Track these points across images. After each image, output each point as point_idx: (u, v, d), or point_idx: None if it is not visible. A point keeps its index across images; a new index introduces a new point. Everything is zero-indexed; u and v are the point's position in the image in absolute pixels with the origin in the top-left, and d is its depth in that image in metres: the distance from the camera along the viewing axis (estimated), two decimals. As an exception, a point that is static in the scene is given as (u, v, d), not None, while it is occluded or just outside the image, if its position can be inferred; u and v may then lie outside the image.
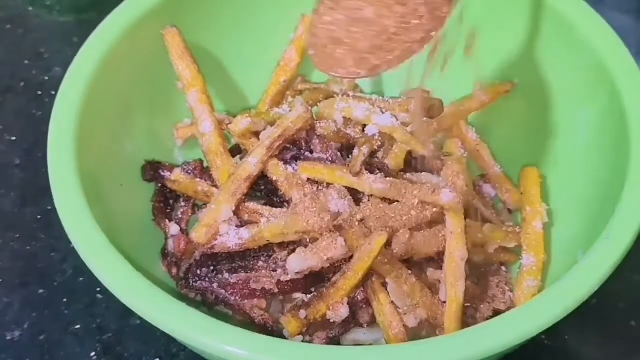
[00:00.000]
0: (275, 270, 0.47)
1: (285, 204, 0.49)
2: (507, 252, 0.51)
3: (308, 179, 0.48)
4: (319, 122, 0.50)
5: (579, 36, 0.50)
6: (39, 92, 0.67)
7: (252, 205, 0.48)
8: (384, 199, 0.47)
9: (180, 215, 0.52)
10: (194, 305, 0.40)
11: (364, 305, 0.46)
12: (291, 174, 0.48)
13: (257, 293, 0.47)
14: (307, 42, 0.44)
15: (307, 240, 0.46)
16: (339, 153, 0.50)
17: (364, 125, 0.51)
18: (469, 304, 0.47)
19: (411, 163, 0.52)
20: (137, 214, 0.52)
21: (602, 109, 0.49)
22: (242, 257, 0.48)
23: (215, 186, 0.50)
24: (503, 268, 0.52)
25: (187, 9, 0.55)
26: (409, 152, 0.51)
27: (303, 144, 0.50)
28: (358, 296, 0.46)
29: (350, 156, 0.49)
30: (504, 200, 0.55)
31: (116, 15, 0.51)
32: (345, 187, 0.47)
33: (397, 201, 0.47)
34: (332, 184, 0.48)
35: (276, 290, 0.46)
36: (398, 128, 0.49)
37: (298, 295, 0.47)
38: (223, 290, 0.47)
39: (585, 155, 0.50)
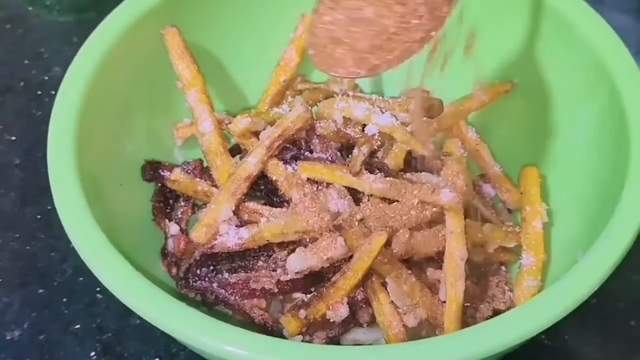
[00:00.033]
0: (275, 270, 0.47)
1: (285, 204, 0.48)
2: (507, 252, 0.51)
3: (308, 179, 0.48)
4: (319, 122, 0.50)
5: (579, 36, 0.50)
6: (39, 92, 0.67)
7: (252, 205, 0.48)
8: (384, 199, 0.47)
9: (180, 215, 0.52)
10: (194, 305, 0.40)
11: (364, 305, 0.46)
12: (291, 174, 0.48)
13: (257, 293, 0.47)
14: (307, 42, 0.44)
15: (307, 240, 0.46)
16: (339, 153, 0.50)
17: (364, 125, 0.51)
18: (469, 304, 0.47)
19: (411, 163, 0.52)
20: (137, 214, 0.52)
21: (602, 109, 0.49)
22: (242, 257, 0.48)
23: (215, 186, 0.50)
24: (503, 268, 0.52)
25: (187, 9, 0.55)
26: (409, 152, 0.51)
27: (303, 144, 0.50)
28: (358, 296, 0.46)
29: (350, 156, 0.49)
30: (504, 200, 0.55)
31: (116, 15, 0.51)
32: (345, 187, 0.47)
33: (397, 201, 0.47)
34: (332, 184, 0.48)
35: (276, 290, 0.46)
36: (398, 128, 0.49)
37: (298, 295, 0.47)
38: (223, 290, 0.47)
39: (586, 155, 0.50)
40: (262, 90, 0.59)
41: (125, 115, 0.52)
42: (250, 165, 0.48)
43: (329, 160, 0.49)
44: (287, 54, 0.58)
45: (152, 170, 0.52)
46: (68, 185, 0.43)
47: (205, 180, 0.52)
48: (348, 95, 0.52)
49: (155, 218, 0.52)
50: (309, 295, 0.45)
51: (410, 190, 0.46)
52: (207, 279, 0.48)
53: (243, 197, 0.48)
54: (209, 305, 0.48)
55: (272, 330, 0.47)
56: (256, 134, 0.51)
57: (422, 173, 0.51)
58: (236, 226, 0.48)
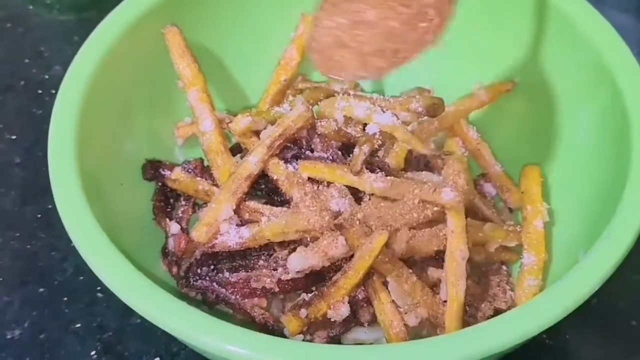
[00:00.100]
0: (276, 270, 0.47)
1: (286, 203, 0.48)
2: (508, 252, 0.51)
3: (309, 178, 0.48)
4: (320, 121, 0.50)
5: (580, 35, 0.50)
6: (40, 91, 0.67)
7: (252, 204, 0.48)
8: (384, 198, 0.47)
9: (180, 215, 0.52)
10: (195, 305, 0.40)
11: (365, 305, 0.46)
12: (292, 173, 0.48)
13: (258, 292, 0.47)
14: (309, 46, 0.44)
15: (308, 239, 0.46)
16: (339, 152, 0.50)
17: (365, 125, 0.51)
18: (470, 304, 0.47)
19: (412, 162, 0.52)
20: (138, 213, 0.52)
21: (603, 108, 0.48)
22: (242, 256, 0.48)
23: (216, 185, 0.50)
24: (504, 267, 0.52)
25: (187, 8, 0.55)
26: (410, 151, 0.51)
27: (304, 143, 0.50)
28: (359, 295, 0.46)
29: (351, 155, 0.49)
30: (505, 200, 0.55)
31: (117, 15, 0.51)
32: (346, 186, 0.47)
33: (398, 200, 0.47)
34: (333, 183, 0.48)
35: (277, 289, 0.46)
36: (399, 127, 0.49)
37: (299, 295, 0.47)
38: (224, 290, 0.47)
39: (587, 155, 0.50)
40: (263, 89, 0.59)
41: (125, 115, 0.52)
42: (251, 164, 0.48)
43: (330, 160, 0.49)
44: (288, 53, 0.58)
45: (153, 169, 0.52)
46: (68, 185, 0.43)
47: (206, 179, 0.52)
48: (349, 95, 0.52)
49: (155, 217, 0.52)
50: (309, 295, 0.45)
51: (411, 189, 0.46)
52: (207, 278, 0.48)
53: (244, 196, 0.48)
54: (209, 304, 0.48)
55: (273, 329, 0.47)
56: (257, 133, 0.51)
57: (423, 172, 0.51)
58: (237, 225, 0.48)
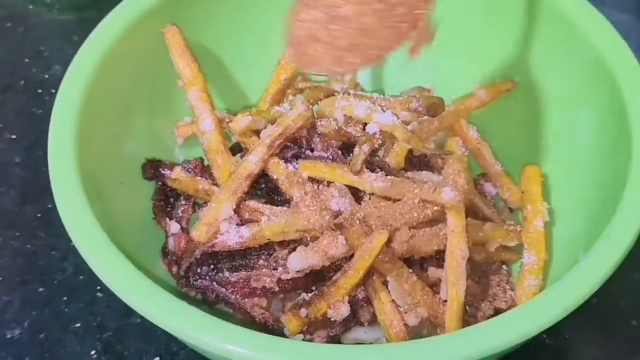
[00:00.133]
0: (276, 269, 0.47)
1: (286, 202, 0.48)
2: (509, 251, 0.51)
3: (309, 177, 0.48)
4: (320, 121, 0.50)
5: (580, 35, 0.50)
6: (40, 91, 0.67)
7: (252, 203, 0.48)
8: (385, 198, 0.47)
9: (180, 214, 0.52)
10: (195, 304, 0.40)
11: (365, 304, 0.46)
12: (292, 173, 0.48)
13: (258, 292, 0.47)
14: (285, 39, 0.44)
15: (308, 238, 0.46)
16: (339, 152, 0.50)
17: (365, 124, 0.51)
18: (470, 303, 0.47)
19: (412, 162, 0.52)
20: (138, 212, 0.52)
21: (603, 107, 0.48)
22: (242, 256, 0.48)
23: (216, 185, 0.50)
24: (504, 267, 0.52)
25: (187, 7, 0.55)
26: (410, 151, 0.51)
27: (304, 142, 0.50)
28: (359, 295, 0.46)
29: (351, 155, 0.49)
30: (505, 199, 0.55)
31: (116, 14, 0.51)
32: (346, 185, 0.47)
33: (398, 200, 0.47)
34: (333, 182, 0.48)
35: (277, 289, 0.46)
36: (399, 127, 0.49)
37: (299, 294, 0.47)
38: (224, 289, 0.47)
39: (587, 154, 0.50)
40: (263, 88, 0.59)
41: (125, 114, 0.52)
42: (251, 163, 0.48)
43: (330, 159, 0.49)
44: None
45: (153, 168, 0.52)
46: (68, 184, 0.43)
47: (206, 178, 0.51)
48: (349, 94, 0.52)
49: (155, 217, 0.52)
50: (309, 294, 0.45)
51: (411, 189, 0.46)
52: (207, 277, 0.48)
53: (244, 195, 0.48)
54: (209, 304, 0.48)
55: (273, 329, 0.47)
56: (257, 132, 0.51)
57: (423, 172, 0.51)
58: (237, 225, 0.48)
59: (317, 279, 0.46)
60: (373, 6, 0.42)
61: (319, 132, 0.50)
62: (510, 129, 0.56)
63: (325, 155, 0.49)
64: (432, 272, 0.47)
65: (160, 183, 0.53)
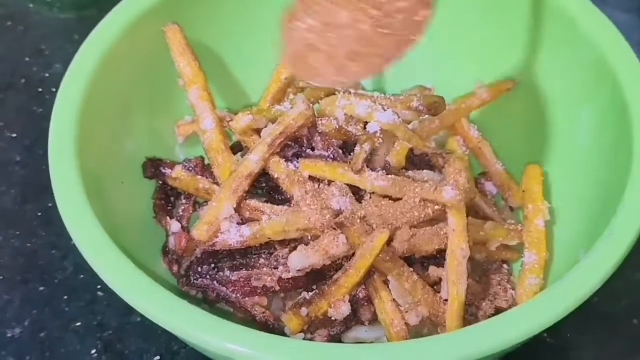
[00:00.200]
0: (277, 268, 0.47)
1: (287, 201, 0.48)
2: (509, 250, 0.51)
3: (310, 176, 0.48)
4: (321, 120, 0.50)
5: (581, 34, 0.50)
6: (40, 89, 0.67)
7: (253, 202, 0.48)
8: (385, 197, 0.47)
9: (181, 213, 0.52)
10: (195, 303, 0.40)
11: (365, 303, 0.46)
12: (293, 172, 0.48)
13: (259, 290, 0.47)
14: (283, 50, 0.43)
15: (309, 237, 0.46)
16: (340, 150, 0.50)
17: (366, 123, 0.51)
18: (470, 302, 0.47)
19: (413, 160, 0.52)
20: (138, 211, 0.52)
21: (605, 107, 0.48)
22: (243, 255, 0.48)
23: (217, 184, 0.50)
24: (505, 266, 0.52)
25: (188, 6, 0.54)
26: (411, 150, 0.51)
27: (305, 141, 0.50)
28: (360, 294, 0.46)
29: (351, 154, 0.49)
30: (505, 198, 0.55)
31: (117, 13, 0.51)
32: (347, 184, 0.47)
33: (399, 199, 0.47)
34: (333, 181, 0.48)
35: (277, 287, 0.46)
36: (400, 125, 0.49)
37: (300, 293, 0.47)
38: (224, 288, 0.47)
39: (588, 153, 0.50)
40: (264, 87, 0.58)
41: (126, 113, 0.52)
42: (252, 162, 0.48)
43: (331, 158, 0.49)
44: (289, 52, 0.57)
45: (153, 167, 0.52)
46: (69, 183, 0.43)
47: (206, 177, 0.51)
48: (350, 93, 0.52)
49: (156, 215, 0.52)
50: (310, 293, 0.45)
51: (412, 187, 0.46)
52: (208, 276, 0.48)
53: (244, 194, 0.48)
54: (210, 302, 0.48)
55: (274, 328, 0.47)
56: (257, 131, 0.51)
57: (424, 171, 0.51)
58: (237, 224, 0.48)
59: (318, 277, 0.46)
60: (369, 12, 0.41)
61: (319, 131, 0.50)
62: (511, 128, 0.56)
63: (326, 154, 0.49)
64: (433, 271, 0.47)
65: (160, 182, 0.53)
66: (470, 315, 0.47)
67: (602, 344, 0.52)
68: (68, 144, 0.44)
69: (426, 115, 0.51)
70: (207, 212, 0.47)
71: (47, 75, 0.68)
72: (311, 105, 0.50)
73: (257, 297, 0.47)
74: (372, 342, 0.47)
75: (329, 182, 0.48)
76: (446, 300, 0.45)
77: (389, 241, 0.45)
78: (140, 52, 0.52)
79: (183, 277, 0.49)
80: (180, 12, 0.53)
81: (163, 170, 0.52)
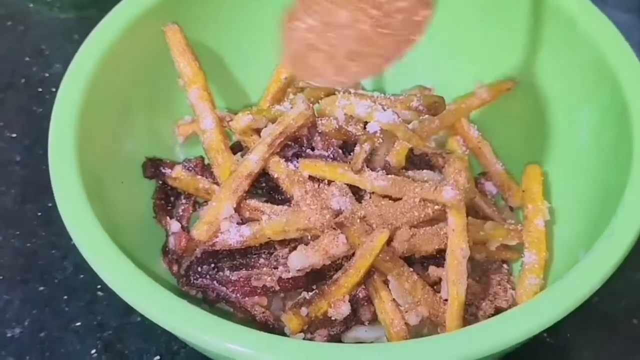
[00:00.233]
0: (277, 268, 0.47)
1: (287, 201, 0.48)
2: (509, 250, 0.51)
3: (310, 176, 0.48)
4: (321, 120, 0.50)
5: (581, 34, 0.50)
6: (40, 89, 0.67)
7: (253, 202, 0.48)
8: (385, 197, 0.47)
9: (181, 213, 0.52)
10: (195, 303, 0.40)
11: (365, 303, 0.46)
12: (293, 172, 0.48)
13: (259, 290, 0.47)
14: (282, 50, 0.43)
15: (309, 237, 0.46)
16: (340, 150, 0.50)
17: (366, 123, 0.51)
18: (470, 302, 0.47)
19: (413, 160, 0.52)
20: (138, 211, 0.52)
21: (604, 107, 0.48)
22: (243, 255, 0.48)
23: (217, 184, 0.50)
24: (505, 266, 0.52)
25: (188, 6, 0.54)
26: (411, 150, 0.51)
27: (305, 141, 0.50)
28: (360, 294, 0.46)
29: (351, 154, 0.49)
30: (505, 198, 0.55)
31: (117, 13, 0.51)
32: (347, 184, 0.47)
33: (399, 199, 0.47)
34: (333, 181, 0.48)
35: (277, 287, 0.46)
36: (400, 125, 0.49)
37: (300, 293, 0.47)
38: (224, 288, 0.47)
39: (588, 153, 0.50)
40: (264, 87, 0.58)
41: (126, 113, 0.52)
42: (252, 162, 0.48)
43: (331, 158, 0.49)
44: (289, 51, 0.57)
45: (153, 167, 0.52)
46: (69, 183, 0.43)
47: (206, 177, 0.51)
48: (350, 93, 0.52)
49: (156, 215, 0.52)
50: (310, 293, 0.45)
51: (412, 188, 0.46)
52: (208, 276, 0.48)
53: (244, 194, 0.48)
54: (210, 302, 0.48)
55: (274, 328, 0.47)
56: (257, 131, 0.51)
57: (424, 171, 0.50)
58: (237, 224, 0.48)
59: (318, 277, 0.46)
60: (369, 12, 0.41)
61: (319, 131, 0.50)
62: (511, 128, 0.56)
63: (326, 154, 0.49)
64: (433, 271, 0.47)
65: (160, 182, 0.53)
66: (470, 315, 0.47)
67: (602, 344, 0.52)
68: (68, 144, 0.44)
69: (426, 115, 0.51)
70: (207, 212, 0.47)
71: (47, 75, 0.68)
72: (311, 105, 0.50)
73: (257, 297, 0.47)
74: (372, 342, 0.47)
75: (329, 182, 0.48)
76: (446, 300, 0.45)
77: (389, 241, 0.45)
78: (141, 52, 0.52)
79: (183, 277, 0.49)
80: (181, 12, 0.53)
81: (163, 170, 0.52)
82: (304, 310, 0.44)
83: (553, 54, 0.53)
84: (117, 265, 0.40)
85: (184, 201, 0.53)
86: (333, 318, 0.45)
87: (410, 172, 0.50)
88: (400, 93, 0.55)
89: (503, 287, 0.50)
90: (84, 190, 0.43)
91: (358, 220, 0.45)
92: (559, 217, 0.51)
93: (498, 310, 0.48)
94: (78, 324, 0.52)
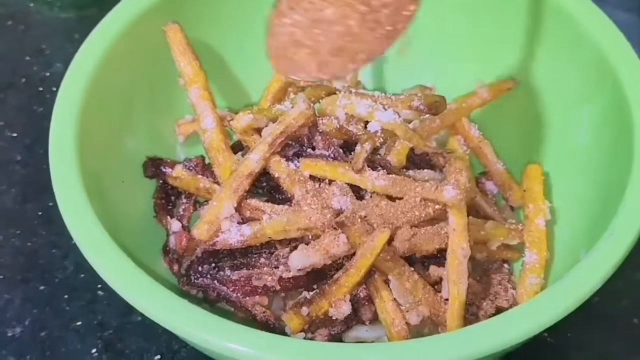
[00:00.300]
0: (278, 267, 0.47)
1: (288, 201, 0.48)
2: (510, 250, 0.51)
3: (310, 176, 0.48)
4: (322, 119, 0.50)
5: (582, 33, 0.50)
6: (41, 89, 0.67)
7: (254, 202, 0.48)
8: (386, 196, 0.47)
9: (182, 212, 0.52)
10: (196, 303, 0.40)
11: (366, 303, 0.46)
12: (293, 171, 0.48)
13: (259, 290, 0.47)
14: (267, 45, 0.43)
15: (310, 237, 0.46)
16: (341, 150, 0.50)
17: (367, 122, 0.51)
18: (471, 302, 0.47)
19: (414, 160, 0.52)
20: (139, 210, 0.52)
21: (605, 107, 0.48)
22: (244, 254, 0.48)
23: (217, 183, 0.50)
24: (506, 266, 0.52)
25: (188, 5, 0.54)
26: (412, 149, 0.51)
27: (305, 140, 0.50)
28: (360, 293, 0.46)
29: (352, 153, 0.49)
30: (506, 198, 0.55)
31: (117, 12, 0.51)
32: (348, 184, 0.47)
33: (400, 198, 0.47)
34: (334, 181, 0.47)
35: (278, 287, 0.46)
36: (401, 125, 0.49)
37: (300, 293, 0.47)
38: (225, 288, 0.47)
39: (588, 153, 0.50)
40: (264, 86, 0.58)
41: (126, 112, 0.52)
42: (253, 162, 0.48)
43: (332, 157, 0.49)
44: (289, 51, 0.57)
45: (154, 167, 0.52)
46: (69, 182, 0.43)
47: (207, 177, 0.51)
48: (350, 92, 0.52)
49: (156, 215, 0.52)
50: (311, 293, 0.45)
51: (412, 187, 0.46)
52: (209, 276, 0.48)
53: (245, 194, 0.48)
54: (210, 302, 0.48)
55: (274, 327, 0.47)
56: (258, 130, 0.51)
57: (425, 170, 0.50)
58: (238, 223, 0.48)
59: (319, 277, 0.46)
60: (357, 8, 0.41)
61: (320, 130, 0.50)
62: (512, 128, 0.56)
63: (327, 153, 0.49)
64: (434, 270, 0.47)
65: (161, 181, 0.53)
66: (471, 315, 0.47)
67: (603, 343, 0.52)
68: (69, 143, 0.44)
69: (427, 115, 0.51)
70: (208, 212, 0.47)
71: (47, 74, 0.68)
72: (312, 104, 0.50)
73: (257, 296, 0.47)
74: (373, 342, 0.47)
75: (330, 182, 0.48)
76: (447, 299, 0.45)
77: (390, 241, 0.45)
78: (141, 51, 0.52)
79: (184, 276, 0.49)
80: (181, 12, 0.53)
81: (164, 170, 0.52)
82: (304, 310, 0.44)
83: (553, 53, 0.53)
84: (118, 265, 0.40)
85: (184, 200, 0.53)
86: (334, 317, 0.45)
87: (411, 172, 0.50)
88: (401, 92, 0.55)
89: (504, 287, 0.50)
90: (85, 190, 0.43)
91: (359, 220, 0.45)
92: (559, 217, 0.51)
93: (499, 310, 0.48)
94: (79, 323, 0.52)
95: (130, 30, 0.51)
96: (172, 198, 0.53)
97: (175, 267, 0.49)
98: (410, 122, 0.51)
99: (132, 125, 0.53)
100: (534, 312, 0.38)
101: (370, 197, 0.47)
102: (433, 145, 0.53)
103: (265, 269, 0.47)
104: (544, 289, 0.45)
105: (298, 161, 0.49)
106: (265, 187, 0.50)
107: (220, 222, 0.47)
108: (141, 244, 0.47)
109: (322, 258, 0.44)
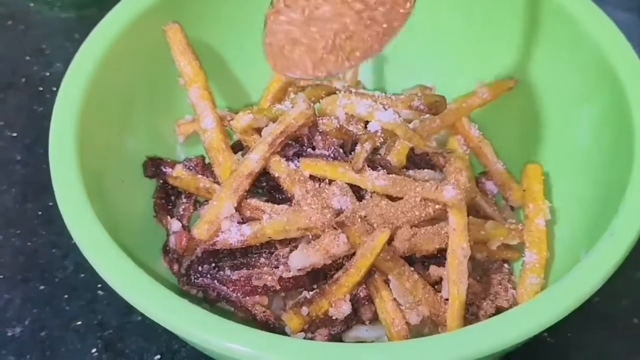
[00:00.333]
0: (278, 267, 0.47)
1: (288, 201, 0.48)
2: (510, 250, 0.51)
3: (310, 175, 0.48)
4: (322, 119, 0.50)
5: (582, 33, 0.50)
6: (41, 89, 0.67)
7: (254, 202, 0.48)
8: (386, 196, 0.47)
9: (182, 212, 0.52)
10: (196, 302, 0.40)
11: (366, 303, 0.46)
12: (293, 171, 0.48)
13: (259, 290, 0.47)
14: (264, 43, 0.43)
15: (310, 237, 0.46)
16: (341, 150, 0.50)
17: (367, 122, 0.51)
18: (471, 302, 0.47)
19: (414, 160, 0.52)
20: (139, 210, 0.52)
21: (605, 106, 0.48)
22: (244, 254, 0.48)
23: (217, 183, 0.50)
24: (506, 265, 0.52)
25: (188, 5, 0.54)
26: (412, 149, 0.51)
27: (305, 140, 0.50)
28: (360, 293, 0.46)
29: (352, 153, 0.49)
30: (506, 198, 0.55)
31: (117, 12, 0.51)
32: (348, 184, 0.47)
33: (400, 198, 0.47)
34: (334, 180, 0.47)
35: (278, 287, 0.46)
36: (401, 125, 0.49)
37: (300, 293, 0.47)
38: (225, 287, 0.47)
39: (588, 153, 0.50)
40: (264, 86, 0.58)
41: (126, 112, 0.52)
42: (253, 162, 0.48)
43: (332, 157, 0.49)
44: (290, 51, 0.57)
45: (154, 166, 0.52)
46: (69, 182, 0.43)
47: (207, 176, 0.51)
48: (351, 92, 0.52)
49: (157, 215, 0.52)
50: (311, 293, 0.45)
51: (412, 187, 0.46)
52: (209, 275, 0.48)
53: (245, 193, 0.48)
54: (210, 302, 0.48)
55: (274, 327, 0.47)
56: (258, 130, 0.51)
57: (425, 170, 0.50)
58: (238, 223, 0.47)
59: (319, 277, 0.46)
60: (353, 6, 0.41)
61: (320, 130, 0.50)
62: (512, 128, 0.56)
63: (327, 153, 0.49)
64: (434, 270, 0.47)
65: (161, 181, 0.53)
66: (471, 315, 0.47)
67: (603, 343, 0.52)
68: (69, 143, 0.44)
69: (427, 115, 0.51)
70: (208, 212, 0.47)
71: (47, 74, 0.68)
72: (312, 104, 0.50)
73: (257, 296, 0.47)
74: (373, 342, 0.47)
75: (330, 182, 0.48)
76: (447, 299, 0.45)
77: (390, 240, 0.45)
78: (141, 51, 0.52)
79: (184, 276, 0.49)
80: (181, 11, 0.53)
81: (164, 170, 0.52)
82: (304, 310, 0.44)
83: (554, 53, 0.53)
84: (118, 265, 0.40)
85: (184, 200, 0.53)
86: (334, 317, 0.45)
87: (411, 172, 0.50)
88: (401, 92, 0.55)
89: (504, 287, 0.50)
90: (85, 190, 0.43)
91: (359, 220, 0.45)
92: (559, 217, 0.51)
93: (499, 310, 0.48)
94: (78, 323, 0.52)
95: (130, 30, 0.51)
96: (172, 198, 0.53)
97: (175, 267, 0.49)
98: (410, 122, 0.52)
99: (132, 125, 0.53)
100: (534, 312, 0.38)
101: (371, 197, 0.47)
102: (433, 145, 0.53)
103: (265, 268, 0.47)
104: (544, 289, 0.45)
105: (298, 161, 0.49)
106: (265, 187, 0.50)
107: (220, 222, 0.47)
108: (141, 244, 0.47)
109: (322, 258, 0.44)
